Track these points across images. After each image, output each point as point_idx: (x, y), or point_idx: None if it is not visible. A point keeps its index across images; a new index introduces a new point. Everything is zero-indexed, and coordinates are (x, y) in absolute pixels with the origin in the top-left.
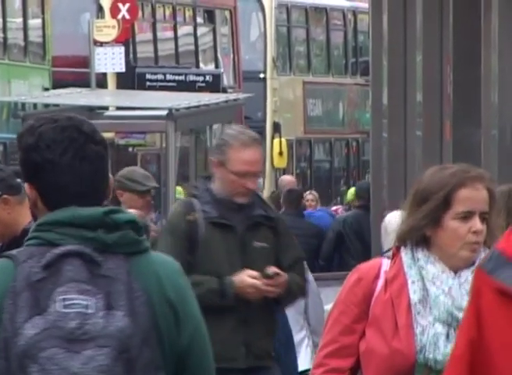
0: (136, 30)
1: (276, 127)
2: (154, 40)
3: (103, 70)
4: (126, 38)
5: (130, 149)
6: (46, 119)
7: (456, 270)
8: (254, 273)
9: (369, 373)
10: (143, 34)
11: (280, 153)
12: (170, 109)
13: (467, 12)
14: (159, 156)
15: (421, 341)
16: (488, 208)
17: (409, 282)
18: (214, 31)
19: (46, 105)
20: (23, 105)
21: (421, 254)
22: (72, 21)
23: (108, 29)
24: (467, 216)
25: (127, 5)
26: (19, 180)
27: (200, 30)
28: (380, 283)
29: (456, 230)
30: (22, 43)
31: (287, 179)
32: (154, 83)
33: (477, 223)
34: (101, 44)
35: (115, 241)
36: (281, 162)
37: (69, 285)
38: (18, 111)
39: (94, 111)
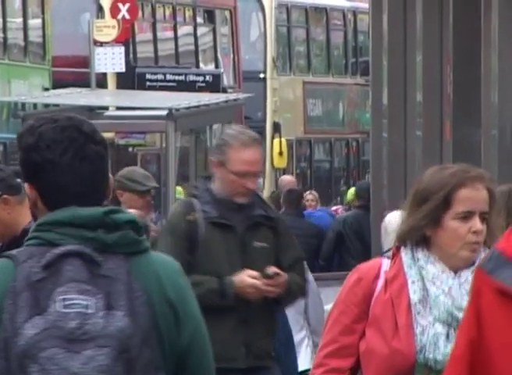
0: (136, 30)
1: (276, 127)
2: (154, 40)
3: (103, 70)
4: (126, 38)
5: (130, 149)
6: (46, 119)
7: (456, 270)
8: (254, 273)
9: (369, 373)
10: (143, 34)
11: (280, 153)
12: (170, 109)
13: (467, 12)
14: (159, 156)
15: (421, 341)
16: (488, 208)
17: (409, 282)
18: (214, 31)
19: (46, 105)
20: (23, 105)
21: (421, 254)
22: (72, 21)
23: (108, 29)
24: (467, 216)
25: (127, 5)
26: (19, 180)
27: (200, 30)
28: (380, 283)
29: (456, 230)
30: (22, 43)
31: (287, 179)
32: (154, 83)
33: (477, 223)
34: (101, 44)
35: (115, 241)
36: (281, 162)
37: (69, 285)
38: (18, 111)
39: (94, 111)
